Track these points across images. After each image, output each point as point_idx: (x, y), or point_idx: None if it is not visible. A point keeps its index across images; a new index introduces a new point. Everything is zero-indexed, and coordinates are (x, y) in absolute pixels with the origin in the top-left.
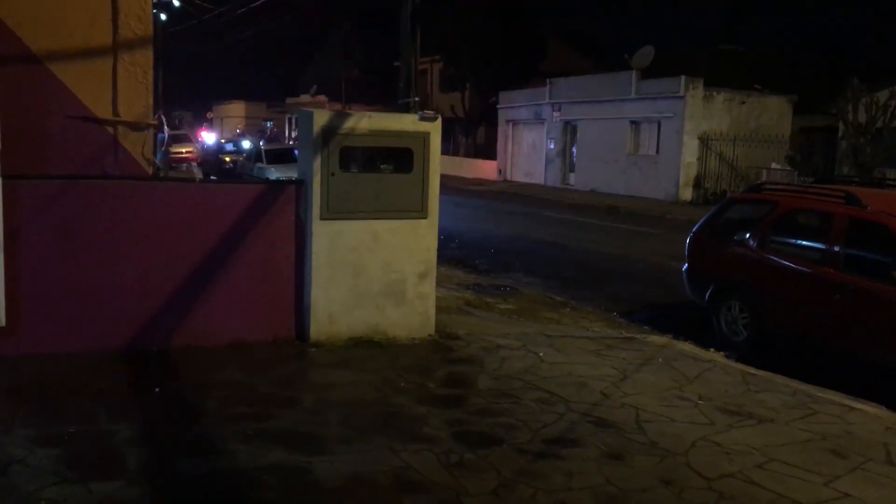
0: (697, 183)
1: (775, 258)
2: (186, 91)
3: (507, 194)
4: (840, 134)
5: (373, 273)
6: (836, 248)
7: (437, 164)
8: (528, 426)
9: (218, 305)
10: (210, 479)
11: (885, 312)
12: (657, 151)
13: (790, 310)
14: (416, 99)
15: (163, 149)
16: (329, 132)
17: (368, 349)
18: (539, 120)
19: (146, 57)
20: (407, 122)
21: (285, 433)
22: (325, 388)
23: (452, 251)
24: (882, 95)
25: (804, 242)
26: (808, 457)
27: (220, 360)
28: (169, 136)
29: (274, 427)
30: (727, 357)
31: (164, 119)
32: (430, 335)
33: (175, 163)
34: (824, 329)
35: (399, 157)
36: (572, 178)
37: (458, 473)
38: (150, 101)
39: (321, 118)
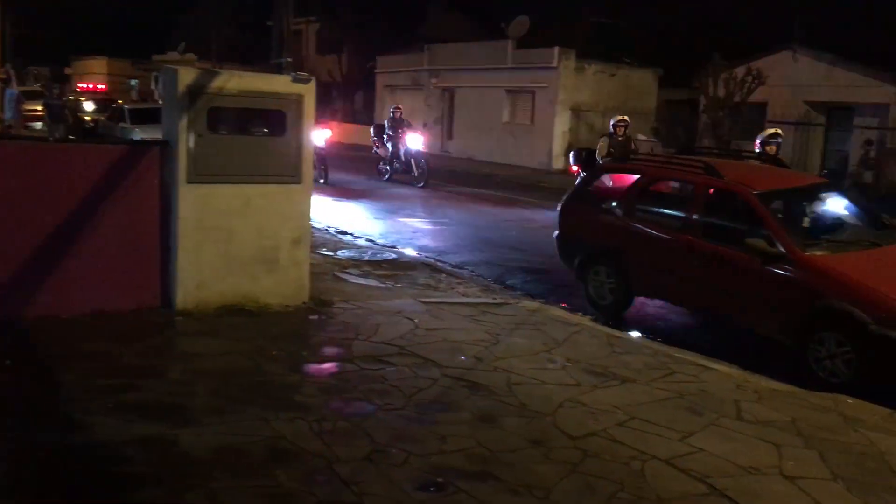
0: (570, 152)
1: (640, 226)
2: (46, 47)
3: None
4: (701, 107)
5: (245, 239)
6: (696, 216)
7: (312, 127)
8: (402, 392)
9: (77, 273)
10: (69, 454)
11: (739, 277)
12: (532, 121)
13: (654, 275)
14: (289, 60)
15: (14, 105)
16: (196, 91)
17: (240, 317)
18: (417, 86)
19: None
20: (279, 84)
21: (150, 405)
22: (194, 358)
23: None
24: (740, 71)
25: (667, 211)
26: (667, 414)
27: (81, 330)
28: (20, 92)
29: (138, 399)
30: (594, 321)
31: (11, 73)
32: (304, 302)
33: (29, 121)
34: (685, 293)
35: (272, 120)
36: (450, 145)
37: (331, 441)
38: None
39: (187, 76)
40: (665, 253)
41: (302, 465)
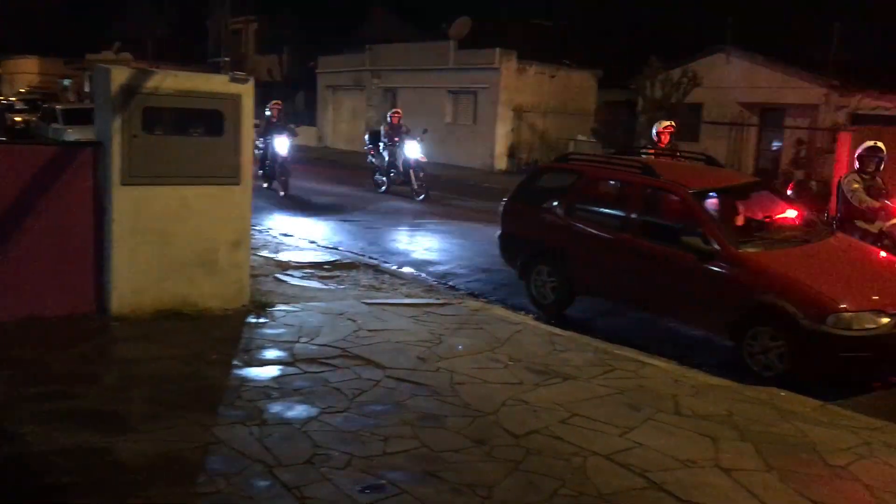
0: (512, 153)
1: (580, 225)
2: None
3: (327, 162)
4: (639, 108)
5: (182, 241)
6: (634, 216)
7: (251, 128)
8: (345, 394)
9: (6, 278)
10: None
11: (676, 275)
12: (474, 121)
13: (594, 273)
14: (227, 59)
15: None
16: (129, 91)
17: (178, 321)
18: (359, 86)
19: None
20: (217, 84)
21: (84, 413)
22: (129, 364)
23: (272, 220)
24: (676, 73)
25: (606, 210)
26: (607, 410)
27: (10, 336)
28: None
29: (71, 407)
30: (536, 319)
31: None
32: (244, 305)
33: None
34: (625, 291)
35: (209, 120)
36: None
37: (272, 445)
38: None
39: (120, 75)
40: (605, 251)
41: (242, 471)
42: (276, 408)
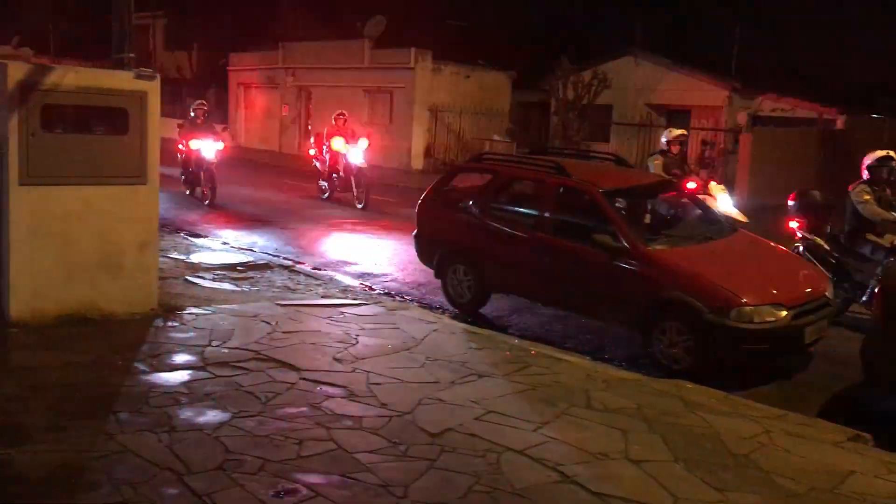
0: (428, 152)
1: (495, 224)
2: None
3: (238, 161)
4: (553, 109)
5: (85, 244)
6: (547, 214)
7: (156, 125)
8: (258, 397)
9: None
10: None
11: (588, 272)
12: (391, 121)
13: (509, 272)
14: (132, 55)
15: None
16: (27, 87)
17: (82, 327)
18: (273, 84)
19: None
20: (121, 80)
21: None
22: (29, 372)
23: (182, 222)
24: (587, 75)
25: (520, 209)
26: (522, 406)
27: None
28: None
29: None
30: (453, 318)
31: None
32: (152, 309)
33: None
34: (539, 288)
35: (113, 118)
36: (308, 145)
37: (182, 452)
38: None
39: (17, 71)
40: (519, 250)
41: (150, 479)
42: (186, 413)
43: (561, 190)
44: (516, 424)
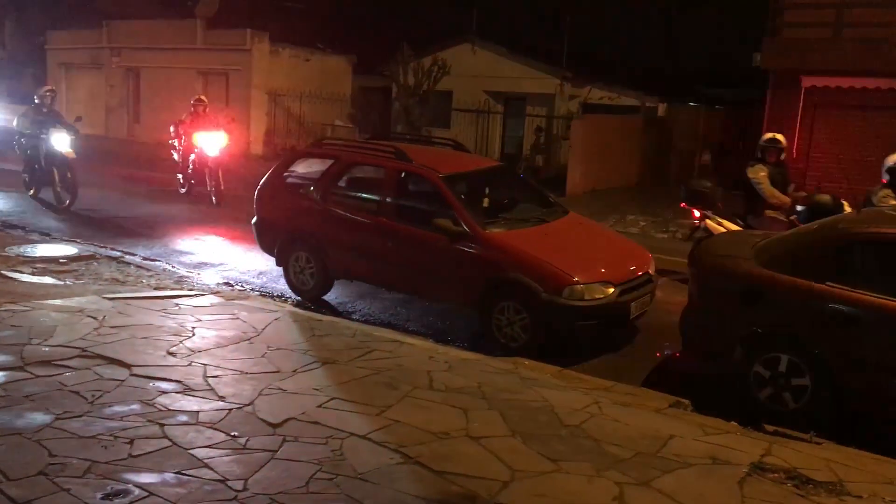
0: (268, 137)
1: (337, 210)
2: None
3: None
4: (394, 95)
5: None
6: (388, 199)
7: None
8: (84, 397)
9: None
10: None
11: (429, 255)
12: (227, 104)
13: (352, 257)
14: None
15: None
16: None
17: None
18: (97, 65)
19: None
20: None
21: None
22: None
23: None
24: (427, 61)
25: (361, 194)
26: (366, 391)
27: None
28: None
29: None
30: (295, 306)
31: None
32: None
33: None
34: (382, 273)
35: None
36: (138, 129)
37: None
38: None
39: None
40: (361, 235)
41: None
42: (2, 417)
43: (402, 175)
44: (360, 409)
